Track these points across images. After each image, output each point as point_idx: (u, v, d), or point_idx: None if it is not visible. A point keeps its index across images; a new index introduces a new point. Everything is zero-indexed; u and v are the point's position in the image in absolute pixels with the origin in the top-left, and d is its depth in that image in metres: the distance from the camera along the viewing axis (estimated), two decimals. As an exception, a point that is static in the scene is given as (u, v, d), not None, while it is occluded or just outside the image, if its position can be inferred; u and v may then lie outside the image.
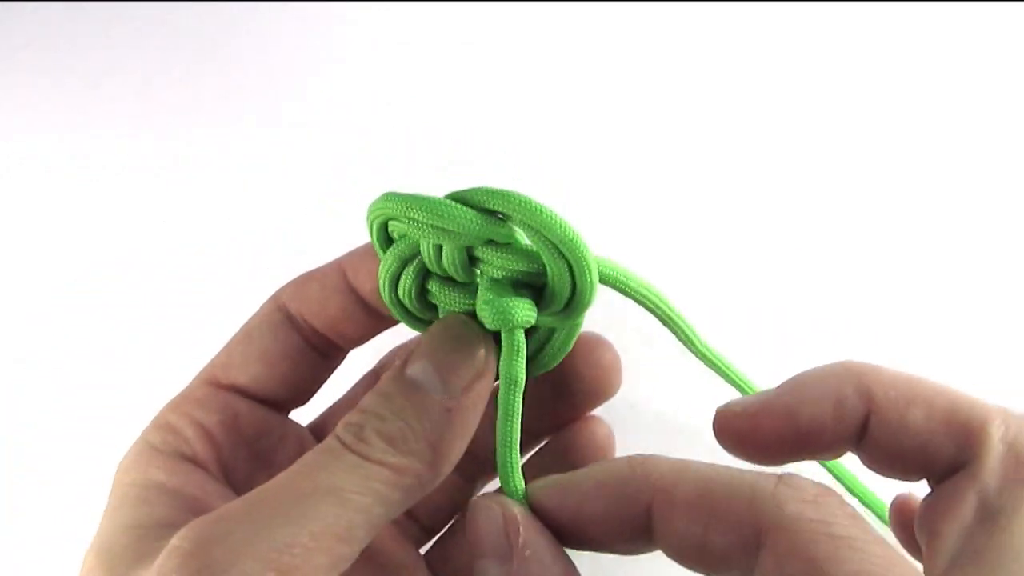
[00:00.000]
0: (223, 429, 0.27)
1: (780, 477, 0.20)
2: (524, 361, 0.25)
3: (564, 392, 0.30)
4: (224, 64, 0.51)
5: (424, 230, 0.25)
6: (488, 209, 0.25)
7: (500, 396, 0.25)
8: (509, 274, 0.25)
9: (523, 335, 0.25)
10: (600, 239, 0.44)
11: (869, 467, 0.23)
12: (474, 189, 0.25)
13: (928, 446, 0.21)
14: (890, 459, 0.22)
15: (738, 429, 0.24)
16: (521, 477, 0.25)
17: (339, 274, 0.28)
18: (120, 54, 0.51)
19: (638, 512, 0.22)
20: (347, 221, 0.48)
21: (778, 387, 0.24)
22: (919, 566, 0.19)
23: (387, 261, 0.27)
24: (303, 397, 0.30)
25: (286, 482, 0.22)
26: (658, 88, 0.51)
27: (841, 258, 0.46)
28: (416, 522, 0.31)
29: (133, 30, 0.52)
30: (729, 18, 0.52)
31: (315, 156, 0.50)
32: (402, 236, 0.26)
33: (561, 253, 0.24)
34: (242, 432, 0.28)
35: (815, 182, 0.48)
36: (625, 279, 0.27)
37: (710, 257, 0.46)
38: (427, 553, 0.31)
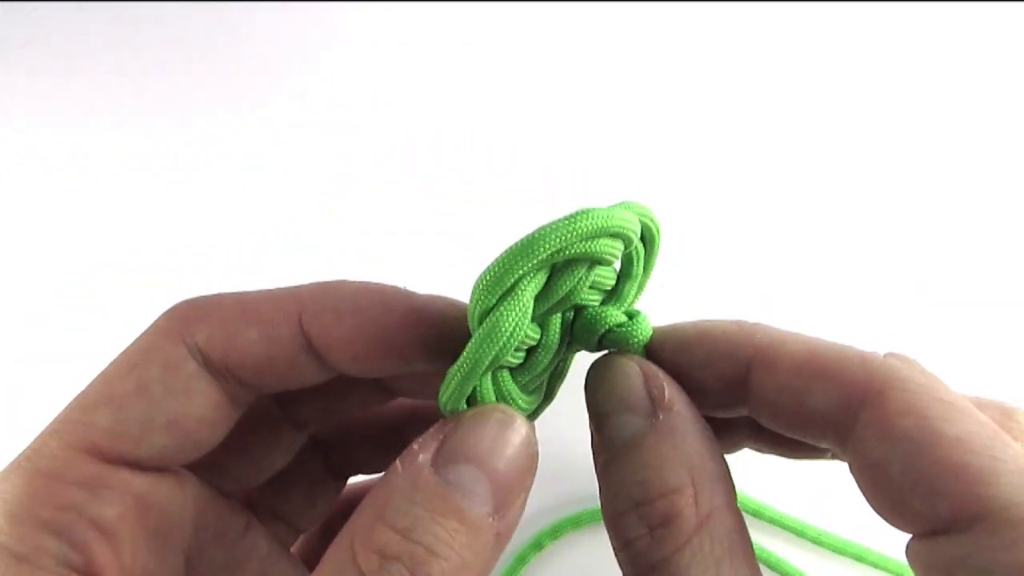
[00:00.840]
0: (123, 523, 0.20)
1: (888, 352, 0.21)
2: None
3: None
4: (224, 64, 0.52)
5: (611, 248, 0.21)
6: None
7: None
8: (600, 288, 0.24)
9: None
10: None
11: (762, 421, 0.23)
12: (637, 204, 0.23)
13: (811, 396, 0.21)
14: (777, 411, 0.22)
15: (649, 347, 0.24)
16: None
17: (291, 321, 0.22)
18: (120, 54, 0.52)
19: (737, 367, 0.22)
20: (346, 221, 0.49)
21: (680, 323, 0.24)
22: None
23: (521, 301, 0.20)
24: (204, 453, 0.23)
25: None
26: (658, 88, 0.51)
27: (841, 257, 0.46)
28: (286, 523, 0.28)
29: (133, 30, 0.52)
30: (727, 19, 0.52)
31: (315, 156, 0.50)
32: (525, 276, 0.20)
33: (648, 255, 0.24)
34: (145, 521, 0.21)
35: (814, 182, 0.48)
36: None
37: (709, 256, 0.46)
38: (300, 551, 0.29)
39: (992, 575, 0.17)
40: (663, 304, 0.44)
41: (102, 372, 0.21)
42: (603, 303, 0.24)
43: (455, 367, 0.20)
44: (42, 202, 0.50)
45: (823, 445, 0.21)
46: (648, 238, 0.24)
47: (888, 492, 0.19)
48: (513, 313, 0.20)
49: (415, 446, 0.19)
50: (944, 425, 0.18)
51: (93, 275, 0.48)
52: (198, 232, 0.49)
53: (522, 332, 0.20)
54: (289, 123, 0.51)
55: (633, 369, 0.22)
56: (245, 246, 0.48)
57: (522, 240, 0.20)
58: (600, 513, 0.40)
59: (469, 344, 0.20)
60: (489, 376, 0.22)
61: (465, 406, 0.21)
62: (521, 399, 0.22)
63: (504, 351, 0.20)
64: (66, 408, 0.21)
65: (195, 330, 0.22)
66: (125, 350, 0.22)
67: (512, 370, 0.22)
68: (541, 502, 0.42)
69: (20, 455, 0.20)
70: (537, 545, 0.41)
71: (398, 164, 0.49)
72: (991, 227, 0.46)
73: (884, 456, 0.19)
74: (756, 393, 0.22)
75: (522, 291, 0.20)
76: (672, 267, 0.44)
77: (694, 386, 0.22)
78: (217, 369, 0.22)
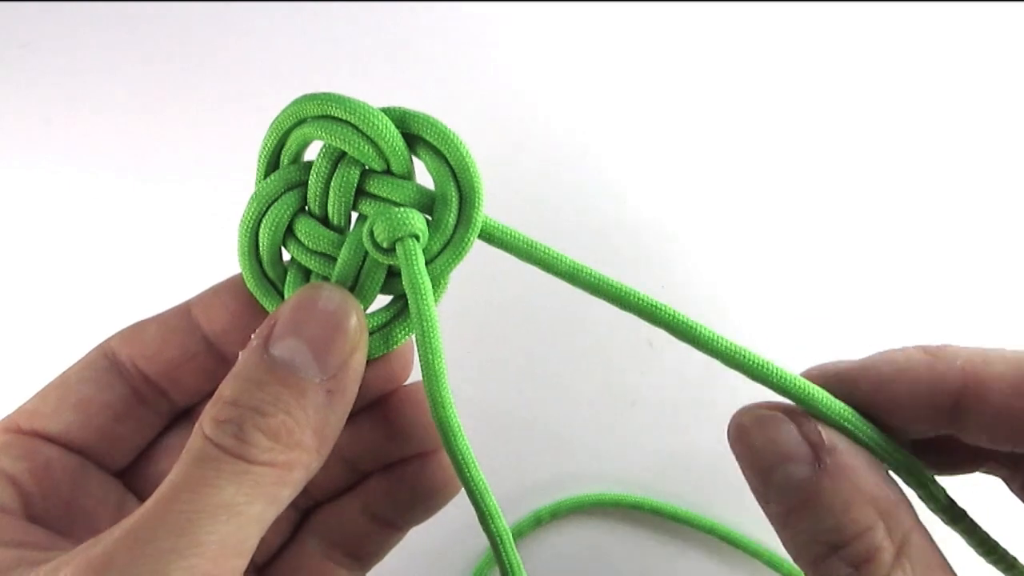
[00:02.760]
0: (31, 477, 0.24)
1: None
2: (425, 271, 0.24)
3: (399, 434, 0.28)
4: (226, 65, 0.52)
5: (342, 133, 0.24)
6: (405, 131, 0.25)
7: (413, 309, 0.24)
8: (404, 205, 0.25)
9: (419, 248, 0.24)
10: (597, 240, 0.48)
11: (980, 444, 0.23)
12: (392, 107, 0.25)
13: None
14: (999, 432, 0.22)
15: (834, 390, 0.24)
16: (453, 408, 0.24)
17: (182, 314, 0.27)
18: (120, 54, 0.52)
19: (946, 395, 0.22)
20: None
21: (864, 359, 0.24)
22: None
23: (267, 186, 0.25)
24: (123, 455, 0.27)
25: (169, 504, 0.20)
26: (657, 88, 0.52)
27: (840, 259, 0.48)
28: None
29: (133, 30, 0.52)
30: (725, 20, 0.53)
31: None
32: (294, 160, 0.26)
33: (457, 179, 0.25)
34: (54, 480, 0.25)
35: (811, 184, 0.50)
36: (511, 236, 0.26)
37: (706, 255, 0.48)
38: None
39: None
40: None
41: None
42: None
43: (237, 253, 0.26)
44: (42, 203, 0.50)
45: None
46: (449, 154, 0.25)
47: None
48: (262, 193, 0.26)
49: (252, 335, 0.23)
50: None
51: (93, 274, 0.49)
52: (197, 232, 0.50)
53: (282, 214, 0.25)
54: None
55: (783, 420, 0.23)
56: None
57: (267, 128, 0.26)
58: (604, 499, 0.44)
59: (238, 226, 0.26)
60: (302, 277, 0.26)
61: (276, 295, 0.26)
62: (327, 244, 0.26)
63: (268, 229, 0.25)
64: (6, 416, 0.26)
65: (111, 339, 0.27)
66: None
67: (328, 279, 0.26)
68: (538, 477, 0.45)
69: None
70: (536, 520, 0.44)
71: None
72: (991, 221, 0.48)
73: None
74: (970, 419, 0.22)
75: (272, 180, 0.26)
76: (668, 266, 0.47)
77: (894, 418, 0.23)
78: (123, 365, 0.26)
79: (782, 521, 0.23)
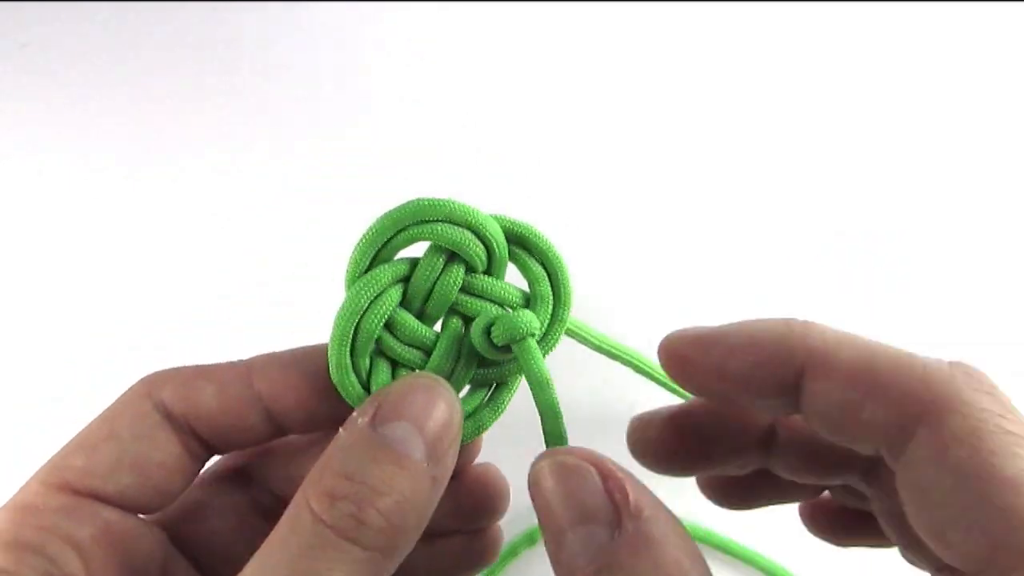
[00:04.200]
0: (93, 542, 0.23)
1: (952, 362, 0.19)
2: (545, 365, 0.25)
3: (463, 510, 0.29)
4: (226, 65, 0.52)
5: (461, 238, 0.25)
6: (510, 233, 0.27)
7: (539, 399, 0.25)
8: (503, 304, 0.27)
9: (535, 345, 0.26)
10: (595, 241, 0.47)
11: (813, 427, 0.22)
12: (500, 216, 0.27)
13: (873, 405, 0.20)
14: (829, 420, 0.21)
15: (684, 354, 0.23)
16: None
17: (242, 379, 0.26)
18: (120, 54, 0.52)
19: (789, 372, 0.21)
20: (347, 221, 0.49)
21: (724, 325, 0.23)
22: None
23: (376, 279, 0.25)
24: (170, 510, 0.27)
25: None
26: (656, 90, 0.52)
27: (837, 254, 0.48)
28: None
29: (133, 30, 0.52)
30: (720, 20, 0.54)
31: (321, 158, 0.51)
32: (386, 259, 0.26)
33: (552, 282, 0.27)
34: (112, 542, 0.24)
35: (805, 183, 0.50)
36: (586, 331, 0.29)
37: (701, 259, 0.48)
38: None
39: None
40: (661, 304, 0.46)
41: (81, 430, 0.25)
42: None
43: (329, 341, 0.25)
44: (41, 204, 0.50)
45: (869, 452, 0.20)
46: (544, 257, 0.27)
47: (929, 518, 0.18)
48: (367, 286, 0.25)
49: (355, 414, 0.23)
50: (1000, 460, 0.17)
51: (92, 274, 0.49)
52: (198, 232, 0.50)
53: (384, 308, 0.25)
54: (292, 125, 0.51)
55: (587, 469, 0.20)
56: (245, 246, 0.49)
57: (369, 226, 0.25)
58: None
59: (335, 316, 0.25)
60: (388, 368, 0.26)
61: (356, 383, 0.26)
62: (422, 338, 0.26)
63: (369, 322, 0.25)
64: (49, 460, 0.24)
65: (161, 389, 0.25)
66: (103, 411, 0.25)
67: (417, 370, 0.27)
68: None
69: (8, 499, 0.24)
70: (529, 539, 0.43)
71: (399, 168, 0.50)
72: (989, 226, 0.48)
73: (932, 482, 0.18)
74: (808, 401, 0.21)
75: (379, 271, 0.25)
76: (665, 269, 0.47)
77: (739, 389, 0.22)
78: (178, 422, 0.25)
79: None
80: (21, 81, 0.50)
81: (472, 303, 0.27)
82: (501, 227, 0.26)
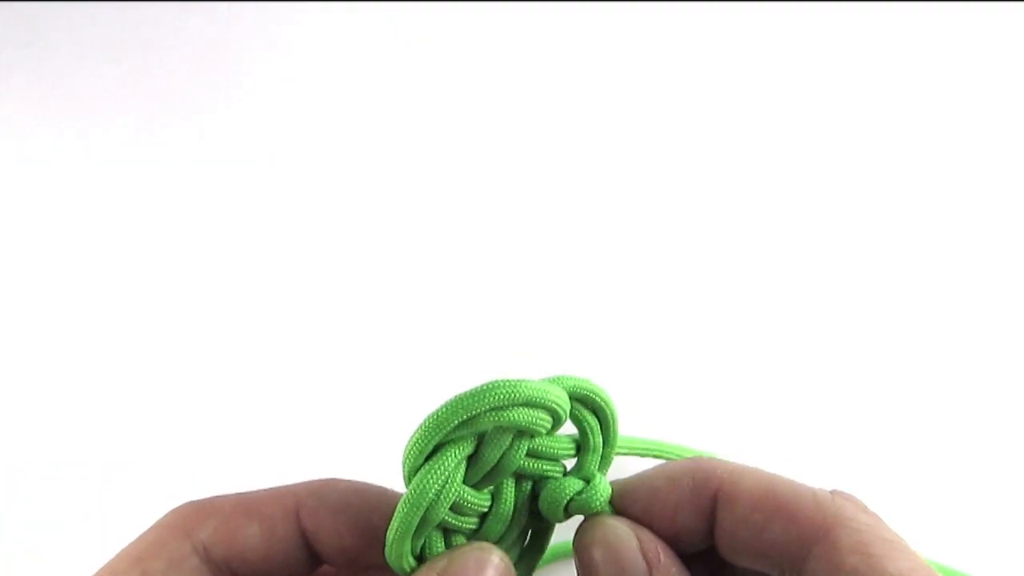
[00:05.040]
0: None
1: (833, 490, 0.23)
2: None
3: None
4: (227, 66, 0.52)
5: (540, 418, 0.25)
6: (573, 395, 0.26)
7: None
8: (557, 459, 0.26)
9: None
10: (593, 242, 0.47)
11: (725, 555, 0.25)
12: (560, 378, 0.26)
13: (773, 534, 0.23)
14: (738, 541, 0.24)
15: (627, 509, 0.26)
16: None
17: (289, 518, 0.24)
18: (121, 54, 0.52)
19: (704, 502, 0.24)
20: (346, 223, 0.49)
21: (641, 472, 0.26)
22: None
23: (446, 464, 0.24)
24: None
25: None
26: (653, 91, 0.52)
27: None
28: None
29: (133, 30, 0.52)
30: (717, 22, 0.54)
31: (321, 161, 0.51)
32: (447, 441, 0.25)
33: (604, 431, 0.27)
34: None
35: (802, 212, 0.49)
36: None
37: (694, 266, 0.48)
38: None
39: None
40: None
41: (107, 564, 0.23)
42: (568, 474, 0.27)
43: (390, 527, 0.24)
44: (42, 202, 0.50)
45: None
46: (598, 408, 0.27)
47: None
48: (433, 476, 0.24)
49: None
50: (887, 563, 0.20)
51: (92, 274, 0.49)
52: (196, 233, 0.50)
53: (451, 494, 0.24)
54: (292, 126, 0.52)
55: (626, 532, 0.24)
56: (245, 246, 0.49)
57: (436, 410, 0.24)
58: (559, 549, 0.42)
59: (398, 505, 0.24)
60: (441, 538, 0.25)
61: (413, 562, 0.25)
62: (475, 510, 0.26)
63: (434, 512, 0.24)
64: None
65: (200, 527, 0.23)
66: (130, 544, 0.24)
67: (470, 536, 0.26)
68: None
69: None
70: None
71: (397, 169, 0.50)
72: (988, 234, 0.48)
73: None
74: (720, 526, 0.24)
75: (445, 456, 0.24)
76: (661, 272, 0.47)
77: (665, 527, 0.24)
78: (218, 566, 0.24)
79: None
80: (21, 81, 0.50)
81: (531, 464, 0.26)
82: (566, 390, 0.26)
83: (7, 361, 0.47)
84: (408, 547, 0.24)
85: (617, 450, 0.28)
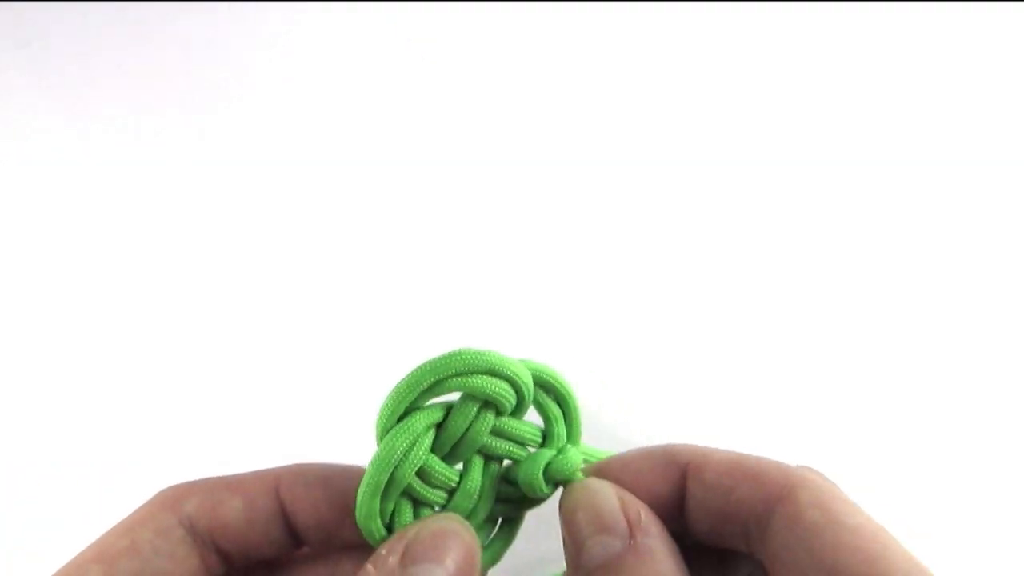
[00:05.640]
0: None
1: (796, 464, 0.24)
2: None
3: None
4: (227, 65, 0.52)
5: (501, 388, 0.26)
6: (537, 379, 0.28)
7: None
8: (524, 443, 0.28)
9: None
10: (589, 243, 0.47)
11: (697, 534, 0.26)
12: (525, 361, 0.27)
13: (741, 499, 0.24)
14: (707, 504, 0.25)
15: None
16: None
17: (270, 494, 0.26)
18: (121, 54, 0.52)
19: (675, 472, 0.25)
20: (345, 223, 0.50)
21: (620, 453, 0.27)
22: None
23: (412, 427, 0.26)
24: None
25: None
26: (653, 91, 0.52)
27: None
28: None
29: (133, 30, 0.52)
30: (715, 23, 0.54)
31: (313, 159, 0.51)
32: (417, 408, 0.26)
33: (567, 420, 0.28)
34: None
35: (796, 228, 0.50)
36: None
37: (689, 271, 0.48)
38: None
39: None
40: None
41: (99, 537, 0.25)
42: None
43: (361, 485, 0.25)
44: (42, 202, 0.50)
45: (742, 545, 0.24)
46: (561, 398, 0.28)
47: (796, 572, 0.22)
48: (402, 436, 0.25)
49: (383, 551, 0.24)
50: (844, 517, 0.22)
51: (92, 274, 0.49)
52: (196, 233, 0.50)
53: (419, 456, 0.26)
54: (292, 126, 0.52)
55: (610, 492, 0.25)
56: (244, 246, 0.49)
57: (407, 374, 0.26)
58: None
59: (368, 464, 0.25)
60: (410, 508, 0.27)
61: (382, 528, 0.26)
62: (446, 481, 0.27)
63: (402, 471, 0.25)
64: (63, 567, 0.24)
65: (186, 501, 0.25)
66: (121, 520, 0.25)
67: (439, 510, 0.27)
68: (523, 557, 0.44)
69: None
70: None
71: (398, 170, 0.50)
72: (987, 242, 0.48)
73: (795, 541, 0.22)
74: (690, 493, 0.25)
75: (414, 419, 0.26)
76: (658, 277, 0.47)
77: (639, 496, 0.25)
78: (201, 537, 0.25)
79: None
80: (21, 81, 0.50)
81: (497, 444, 0.28)
82: (530, 373, 0.27)
83: (7, 361, 0.47)
84: (376, 506, 0.25)
85: (586, 455, 0.29)
